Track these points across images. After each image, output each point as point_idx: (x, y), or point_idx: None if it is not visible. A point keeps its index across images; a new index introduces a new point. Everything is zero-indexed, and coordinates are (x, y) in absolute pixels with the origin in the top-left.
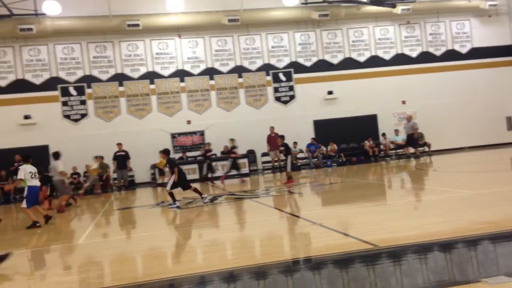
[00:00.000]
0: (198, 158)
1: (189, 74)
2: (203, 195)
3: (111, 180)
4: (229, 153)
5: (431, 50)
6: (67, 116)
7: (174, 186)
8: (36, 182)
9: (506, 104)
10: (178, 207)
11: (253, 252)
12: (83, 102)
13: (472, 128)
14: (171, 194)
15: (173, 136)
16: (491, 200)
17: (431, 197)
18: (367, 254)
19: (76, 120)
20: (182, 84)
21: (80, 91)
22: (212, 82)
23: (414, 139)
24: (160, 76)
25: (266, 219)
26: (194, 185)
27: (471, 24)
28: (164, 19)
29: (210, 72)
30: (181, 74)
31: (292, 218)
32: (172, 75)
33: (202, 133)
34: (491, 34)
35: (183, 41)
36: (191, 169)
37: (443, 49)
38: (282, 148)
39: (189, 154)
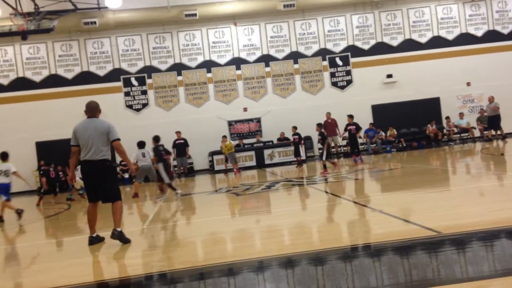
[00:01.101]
0: (255, 145)
1: (245, 62)
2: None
3: (171, 167)
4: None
5: (498, 28)
6: (130, 106)
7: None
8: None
9: None
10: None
11: (311, 238)
12: (144, 92)
13: None
14: (170, 185)
15: (230, 123)
16: None
17: (498, 183)
18: (430, 241)
19: (138, 110)
20: (238, 72)
21: (141, 81)
22: (267, 69)
23: (498, 120)
24: (216, 65)
25: (323, 205)
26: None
27: None
28: (220, 8)
29: (266, 59)
30: (237, 62)
31: (350, 204)
32: (228, 63)
33: (258, 120)
34: None
35: (238, 29)
36: (249, 156)
37: (511, 27)
38: (319, 137)
39: (245, 141)
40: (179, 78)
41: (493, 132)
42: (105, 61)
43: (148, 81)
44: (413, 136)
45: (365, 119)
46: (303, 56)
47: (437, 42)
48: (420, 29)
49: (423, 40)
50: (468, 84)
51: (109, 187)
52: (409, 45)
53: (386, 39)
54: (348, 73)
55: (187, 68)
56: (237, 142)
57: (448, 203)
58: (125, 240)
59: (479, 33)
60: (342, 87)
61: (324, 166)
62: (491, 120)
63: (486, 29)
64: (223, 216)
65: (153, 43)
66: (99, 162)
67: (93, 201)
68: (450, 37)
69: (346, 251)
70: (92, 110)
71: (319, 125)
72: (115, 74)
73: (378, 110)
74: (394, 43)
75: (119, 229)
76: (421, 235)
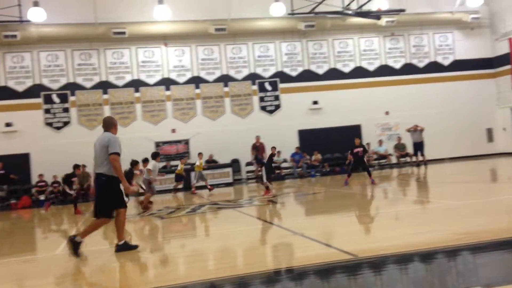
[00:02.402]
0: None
1: (175, 83)
2: None
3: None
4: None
5: (414, 61)
6: (49, 124)
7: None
8: None
9: (486, 116)
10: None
11: (234, 263)
12: (66, 110)
13: (453, 139)
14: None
15: (158, 144)
16: (472, 211)
17: (413, 207)
18: (347, 265)
19: (58, 128)
20: (168, 93)
21: (64, 98)
22: (197, 90)
23: (422, 147)
24: (145, 84)
25: (247, 229)
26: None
27: (453, 36)
28: (150, 27)
29: (196, 81)
30: (167, 83)
31: (273, 228)
32: (157, 83)
33: (186, 142)
34: (473, 47)
35: (169, 50)
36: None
37: (426, 61)
38: (253, 160)
39: (173, 163)
40: (105, 96)
41: (413, 158)
42: (25, 76)
43: (71, 98)
44: (336, 161)
45: (291, 143)
46: (233, 79)
47: (359, 72)
48: (344, 59)
49: (347, 69)
50: (387, 113)
51: (97, 202)
52: (334, 74)
53: (313, 67)
54: (277, 98)
55: (114, 86)
56: (164, 164)
57: (366, 227)
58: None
59: (398, 66)
60: (271, 112)
61: (267, 188)
62: (417, 146)
63: (404, 62)
64: (144, 241)
65: (78, 59)
66: (97, 175)
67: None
68: (371, 68)
69: (269, 275)
70: (105, 125)
71: (256, 148)
72: (35, 90)
73: (304, 135)
74: (320, 71)
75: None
76: (339, 259)
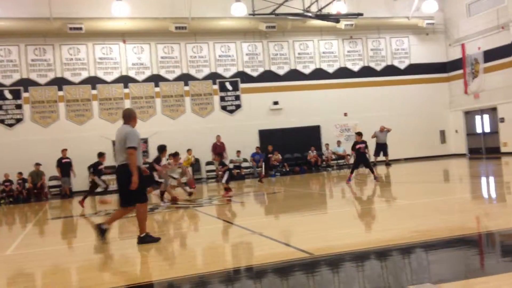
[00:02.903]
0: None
1: (134, 81)
2: None
3: (46, 188)
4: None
5: (372, 65)
6: (1, 121)
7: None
8: None
9: (439, 119)
10: None
11: (194, 262)
12: (18, 107)
13: (408, 140)
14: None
15: (114, 143)
16: (425, 210)
17: (369, 206)
18: (303, 263)
19: (10, 125)
20: (126, 90)
21: (16, 95)
22: (157, 89)
23: (386, 147)
24: (102, 82)
25: (206, 228)
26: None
27: (409, 41)
28: (108, 24)
29: (156, 79)
30: (125, 80)
31: (233, 227)
32: (115, 81)
33: (145, 141)
34: (428, 51)
35: (127, 47)
36: None
37: (383, 64)
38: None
39: None
40: (60, 93)
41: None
42: None
43: (25, 94)
44: (295, 161)
45: (252, 143)
46: (193, 78)
47: (319, 74)
48: (304, 61)
49: (307, 71)
50: (345, 114)
51: (121, 191)
52: (294, 75)
53: (274, 68)
54: (237, 98)
55: (70, 83)
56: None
57: (323, 226)
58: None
59: (356, 68)
60: (231, 111)
61: (225, 189)
62: (381, 147)
63: (362, 65)
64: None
65: (32, 55)
66: (119, 167)
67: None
68: (331, 70)
69: (228, 274)
70: (124, 117)
71: (219, 155)
72: None
73: (265, 135)
74: (281, 72)
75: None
76: (296, 257)
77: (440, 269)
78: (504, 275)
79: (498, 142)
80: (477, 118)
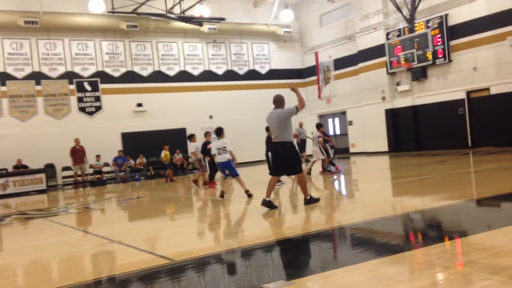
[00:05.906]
0: None
1: None
2: None
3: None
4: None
5: (235, 69)
6: None
7: None
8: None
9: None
10: None
11: (46, 276)
12: None
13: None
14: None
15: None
16: (283, 209)
17: (232, 208)
18: (164, 269)
19: None
20: None
21: None
22: (4, 88)
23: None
24: None
25: (60, 239)
26: None
27: (269, 47)
28: None
29: (2, 77)
30: None
31: (90, 236)
32: None
33: None
34: (286, 58)
35: None
36: None
37: (246, 69)
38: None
39: None
40: None
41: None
42: None
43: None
44: (161, 165)
45: (114, 147)
46: (47, 77)
47: (184, 76)
48: (169, 63)
49: (172, 73)
50: (211, 117)
51: (290, 163)
52: (159, 76)
53: (137, 69)
54: (98, 99)
55: None
56: None
57: (185, 230)
58: (272, 207)
59: (220, 72)
60: (91, 113)
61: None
62: (303, 143)
63: (226, 68)
64: None
65: None
66: (279, 144)
67: (275, 175)
68: (196, 72)
69: (88, 284)
70: (276, 102)
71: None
72: None
73: (128, 138)
74: (144, 73)
75: (267, 199)
76: (156, 264)
77: (294, 265)
78: (351, 267)
79: (347, 143)
80: (330, 121)
